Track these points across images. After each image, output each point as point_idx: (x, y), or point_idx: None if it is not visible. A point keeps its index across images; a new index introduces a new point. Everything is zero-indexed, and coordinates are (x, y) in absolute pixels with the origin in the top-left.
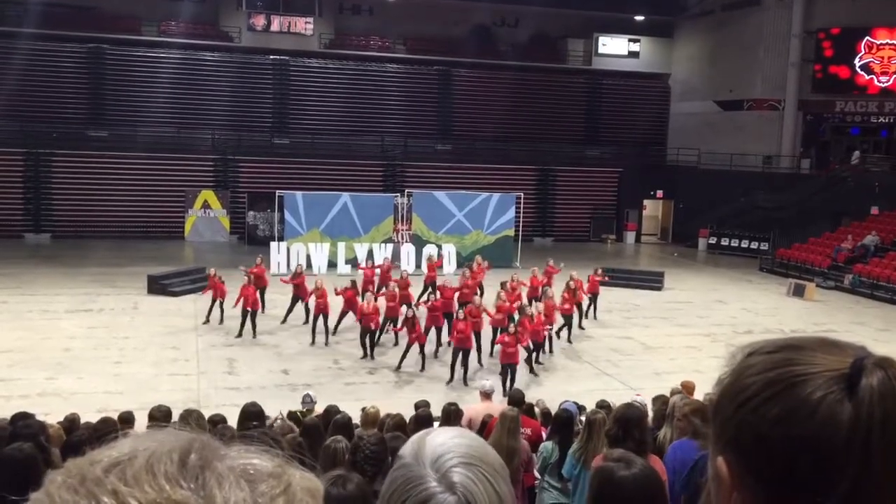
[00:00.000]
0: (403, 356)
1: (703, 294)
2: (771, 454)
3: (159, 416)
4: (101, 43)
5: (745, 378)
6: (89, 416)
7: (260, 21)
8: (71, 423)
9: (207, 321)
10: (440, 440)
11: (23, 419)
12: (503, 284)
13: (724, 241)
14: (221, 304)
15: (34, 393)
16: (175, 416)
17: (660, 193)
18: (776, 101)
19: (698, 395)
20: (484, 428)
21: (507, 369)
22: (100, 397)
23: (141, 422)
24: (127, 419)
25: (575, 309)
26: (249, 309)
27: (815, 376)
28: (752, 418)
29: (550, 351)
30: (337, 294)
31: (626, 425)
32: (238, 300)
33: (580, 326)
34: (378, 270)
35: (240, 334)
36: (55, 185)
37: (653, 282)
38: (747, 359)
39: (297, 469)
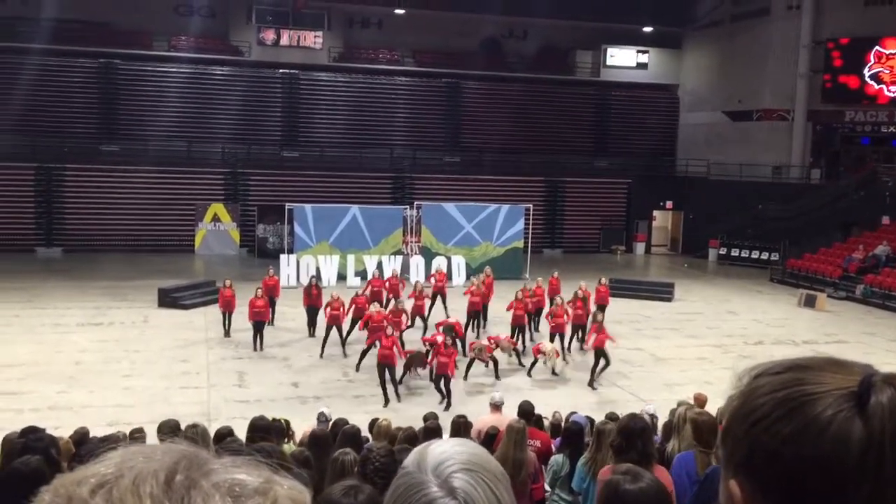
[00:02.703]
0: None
1: (713, 305)
2: (783, 473)
3: (167, 431)
4: (112, 58)
5: (755, 399)
6: (100, 430)
7: (270, 35)
8: (81, 436)
9: (228, 336)
10: (441, 449)
11: (32, 433)
12: (516, 294)
13: (735, 252)
14: (230, 316)
15: (45, 406)
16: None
17: (669, 204)
18: (785, 112)
19: (710, 408)
20: (492, 441)
21: (441, 379)
22: (110, 410)
23: (151, 436)
24: (138, 434)
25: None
26: (253, 321)
27: (824, 395)
28: (764, 438)
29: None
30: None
31: (629, 436)
32: (251, 313)
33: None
34: (387, 284)
35: (255, 347)
36: (66, 200)
37: (663, 293)
38: (755, 380)
39: (286, 480)
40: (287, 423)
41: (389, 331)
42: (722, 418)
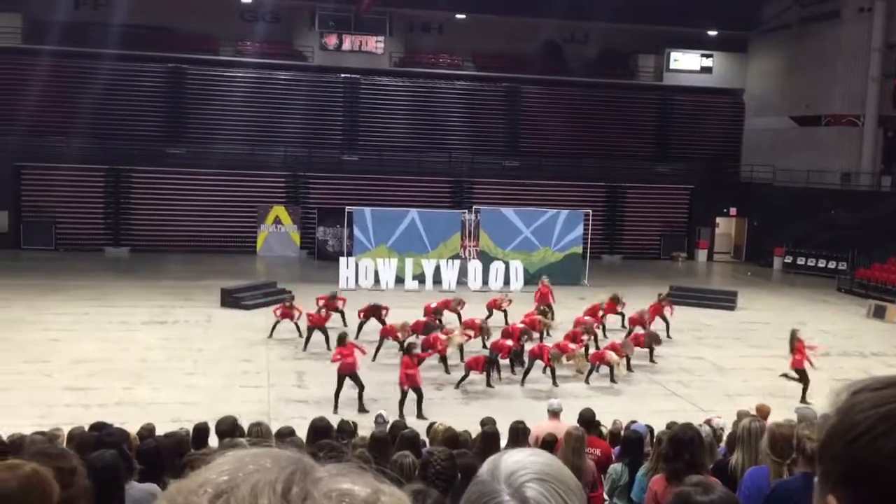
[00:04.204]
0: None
1: (778, 314)
2: (887, 489)
3: (224, 429)
4: (179, 62)
5: (856, 415)
6: (164, 426)
7: (332, 40)
8: (148, 433)
9: (271, 336)
10: (515, 458)
11: (102, 428)
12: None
13: (801, 261)
14: (296, 323)
15: (111, 402)
16: (241, 428)
17: (733, 211)
18: (855, 117)
19: (773, 419)
20: (549, 448)
21: (408, 392)
22: (174, 407)
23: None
24: (202, 430)
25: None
26: (312, 325)
27: None
28: (866, 454)
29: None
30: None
31: (678, 445)
32: (310, 319)
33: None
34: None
35: (305, 348)
36: (134, 201)
37: (726, 301)
38: (853, 396)
39: (388, 487)
40: (355, 424)
41: (352, 337)
42: (801, 431)
